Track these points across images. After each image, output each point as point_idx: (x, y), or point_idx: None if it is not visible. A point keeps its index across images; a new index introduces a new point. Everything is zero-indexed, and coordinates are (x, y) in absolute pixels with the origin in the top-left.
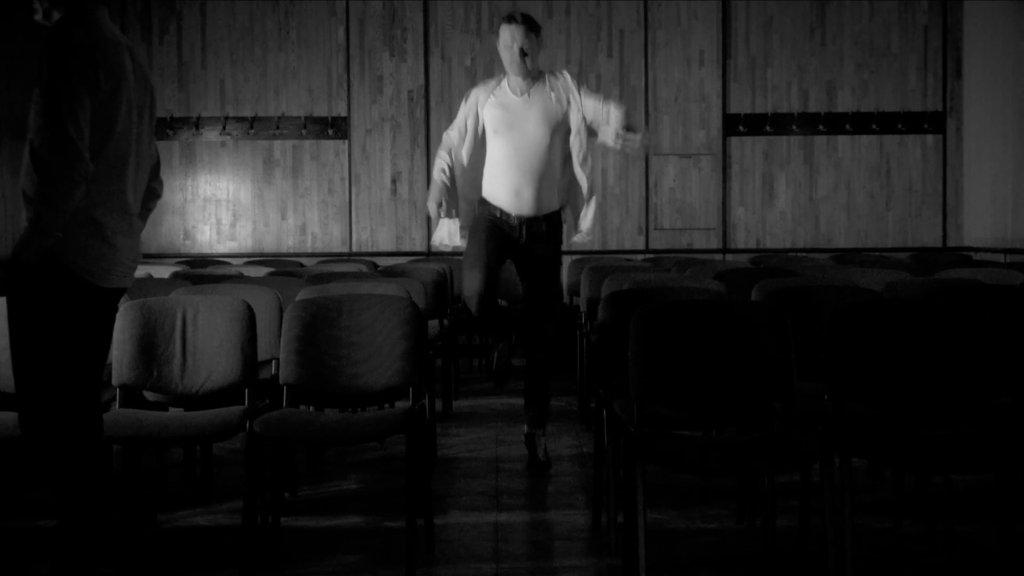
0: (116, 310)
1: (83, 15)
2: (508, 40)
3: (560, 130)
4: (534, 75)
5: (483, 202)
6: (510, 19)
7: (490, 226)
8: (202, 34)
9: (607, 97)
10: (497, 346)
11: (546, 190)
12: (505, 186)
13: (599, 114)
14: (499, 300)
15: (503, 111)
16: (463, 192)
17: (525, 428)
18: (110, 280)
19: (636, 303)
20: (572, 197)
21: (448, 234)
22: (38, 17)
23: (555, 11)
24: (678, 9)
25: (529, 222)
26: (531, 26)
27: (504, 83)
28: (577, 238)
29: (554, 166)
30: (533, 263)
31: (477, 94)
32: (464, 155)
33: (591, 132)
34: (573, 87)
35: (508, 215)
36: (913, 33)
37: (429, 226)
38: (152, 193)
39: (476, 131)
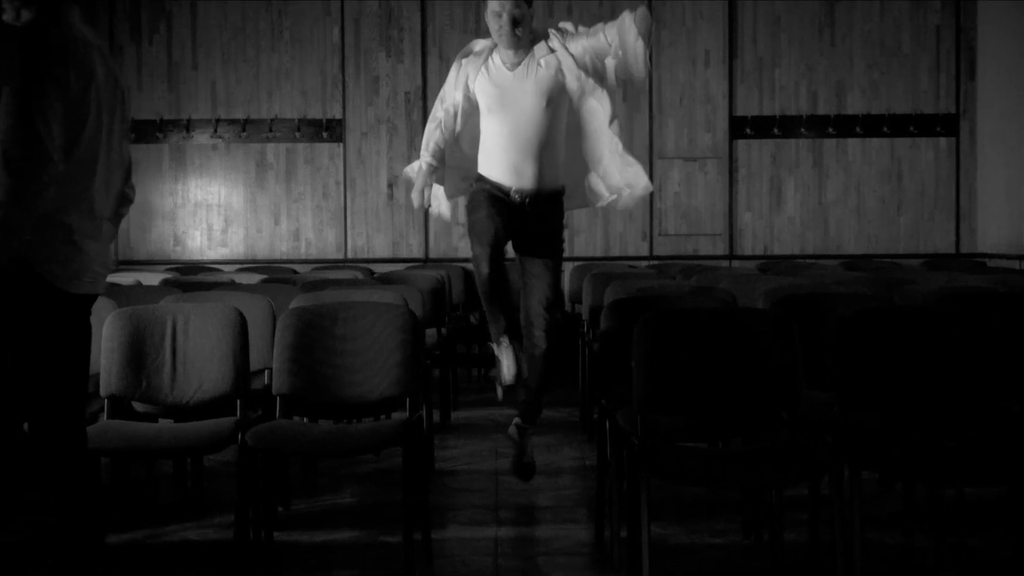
0: (89, 316)
1: (54, 15)
2: (497, 8)
3: (560, 100)
4: (526, 45)
5: (480, 179)
6: None
7: (491, 196)
8: (193, 34)
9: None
10: (502, 349)
11: (548, 168)
12: (503, 166)
13: (595, 52)
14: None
15: (495, 88)
16: (456, 163)
17: (515, 423)
18: (79, 286)
19: (640, 311)
20: (576, 175)
21: (439, 211)
22: (7, 17)
23: (556, 10)
24: (683, 8)
25: (533, 197)
26: None
27: (495, 56)
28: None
29: (555, 143)
30: (534, 241)
31: (467, 68)
32: (457, 129)
33: (600, 78)
34: (559, 43)
35: (508, 191)
36: (925, 33)
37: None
38: (124, 198)
39: (468, 109)
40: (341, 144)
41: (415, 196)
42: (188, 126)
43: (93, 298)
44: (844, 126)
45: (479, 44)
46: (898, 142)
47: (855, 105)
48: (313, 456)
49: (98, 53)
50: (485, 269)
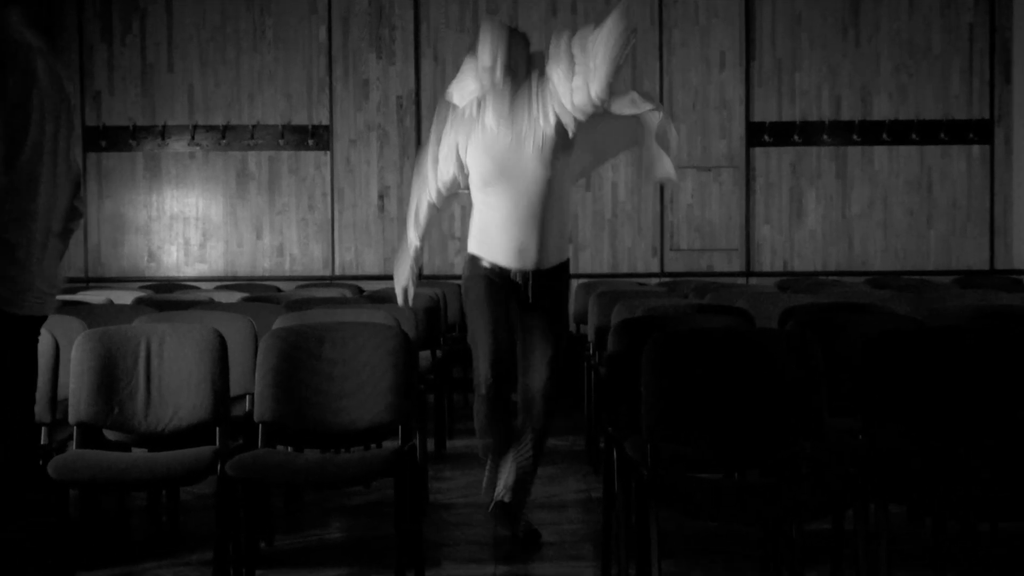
0: (36, 340)
1: None
2: (488, 61)
3: (565, 153)
4: (522, 78)
5: (474, 260)
6: (488, 29)
7: (489, 282)
8: (168, 34)
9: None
10: (489, 461)
11: (553, 241)
12: (503, 246)
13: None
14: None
15: (491, 160)
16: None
17: (503, 495)
18: (21, 307)
19: (649, 332)
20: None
21: (403, 289)
22: None
23: (560, 8)
24: (696, 6)
25: (535, 275)
26: (514, 31)
27: (487, 111)
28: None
29: (563, 200)
30: (535, 313)
31: (455, 133)
32: (447, 194)
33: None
34: (553, 80)
35: (507, 270)
36: (957, 32)
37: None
38: (74, 212)
39: (460, 181)
40: (328, 152)
41: (399, 293)
42: (163, 133)
43: (40, 320)
44: (870, 133)
45: (468, 99)
46: (928, 150)
47: (881, 110)
48: (298, 488)
49: (40, 56)
50: (483, 388)
